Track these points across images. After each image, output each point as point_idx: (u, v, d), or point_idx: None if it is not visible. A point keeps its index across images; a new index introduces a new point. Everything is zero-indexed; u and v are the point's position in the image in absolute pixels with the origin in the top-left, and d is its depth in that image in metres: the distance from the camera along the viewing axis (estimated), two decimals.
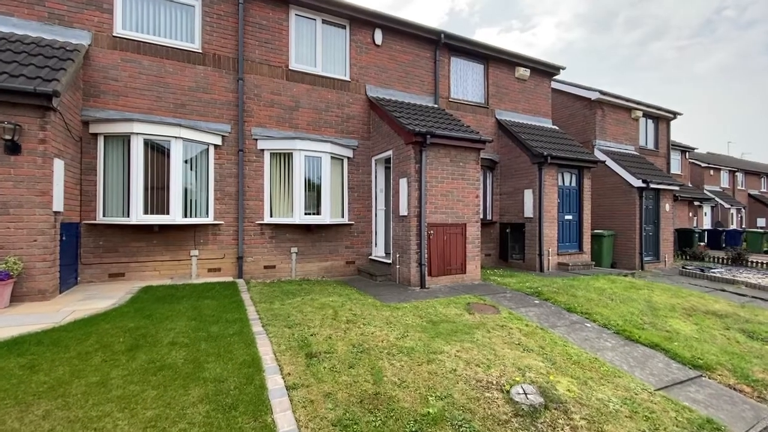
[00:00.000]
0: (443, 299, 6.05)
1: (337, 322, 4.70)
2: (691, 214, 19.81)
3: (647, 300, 6.68)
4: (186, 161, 6.90)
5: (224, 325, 4.36)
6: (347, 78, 8.61)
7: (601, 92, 12.77)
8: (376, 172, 8.76)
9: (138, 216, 6.35)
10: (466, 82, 10.30)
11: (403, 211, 7.29)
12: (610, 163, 12.15)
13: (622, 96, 13.37)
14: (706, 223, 21.58)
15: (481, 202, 10.32)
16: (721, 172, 25.16)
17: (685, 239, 15.92)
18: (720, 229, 19.40)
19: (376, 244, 8.78)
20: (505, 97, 10.87)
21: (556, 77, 12.14)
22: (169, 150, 6.63)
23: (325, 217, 7.84)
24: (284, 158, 7.75)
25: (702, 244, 17.92)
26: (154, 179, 6.56)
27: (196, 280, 6.91)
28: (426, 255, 7.13)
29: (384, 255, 8.77)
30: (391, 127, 7.83)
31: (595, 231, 11.37)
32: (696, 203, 20.15)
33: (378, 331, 4.47)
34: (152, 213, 6.52)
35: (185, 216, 6.84)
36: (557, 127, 12.03)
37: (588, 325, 5.37)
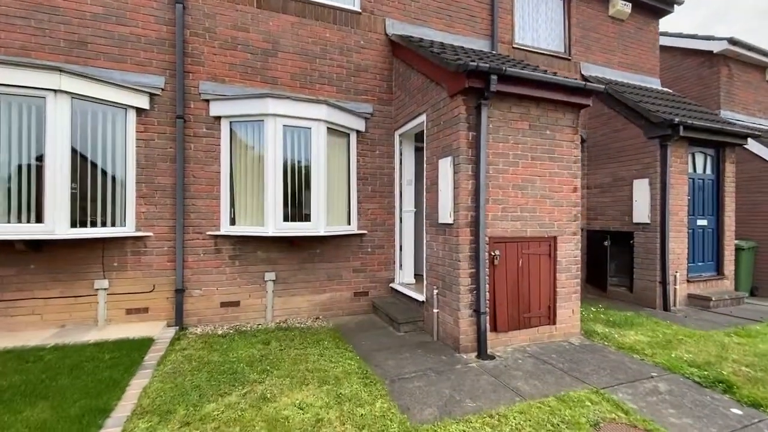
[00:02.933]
0: (528, 402, 2.88)
1: None
2: None
3: None
4: (83, 132, 4.16)
5: None
6: (356, 7, 5.57)
7: (730, 41, 8.85)
8: (401, 153, 5.68)
9: None
10: (537, 20, 6.94)
11: (446, 215, 4.16)
12: (751, 143, 8.28)
13: (759, 47, 9.33)
14: None
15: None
16: None
17: None
18: None
19: (401, 266, 5.70)
20: (595, 45, 7.38)
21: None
22: (45, 113, 3.91)
23: (318, 225, 4.87)
24: (253, 131, 4.85)
25: None
26: (23, 163, 3.87)
27: (103, 330, 4.16)
28: (488, 294, 3.98)
29: (413, 283, 5.68)
30: (424, 72, 4.70)
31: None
32: None
33: None
34: (17, 221, 3.83)
35: (78, 226, 4.11)
36: (669, 90, 8.34)
37: None
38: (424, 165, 4.74)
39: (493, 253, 4.03)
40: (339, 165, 5.31)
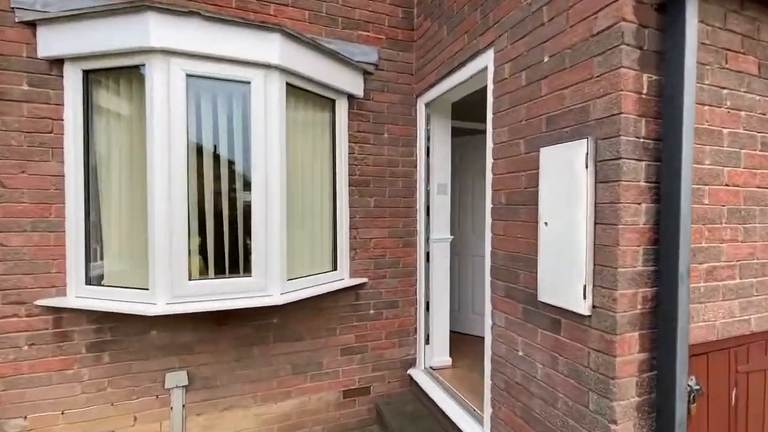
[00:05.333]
0: None
1: None
2: None
3: None
4: None
5: None
6: None
7: None
8: (429, 137, 3.17)
9: None
10: None
11: (564, 288, 1.67)
12: None
13: None
14: None
15: None
16: None
17: None
18: None
19: (428, 337, 3.23)
20: None
21: None
22: None
23: (268, 283, 2.39)
24: (129, 89, 2.34)
25: None
26: None
27: None
28: None
29: (448, 365, 3.24)
30: None
31: None
32: None
33: None
34: None
35: None
36: None
37: None
38: (489, 159, 2.23)
39: (692, 387, 1.56)
40: (314, 159, 2.81)
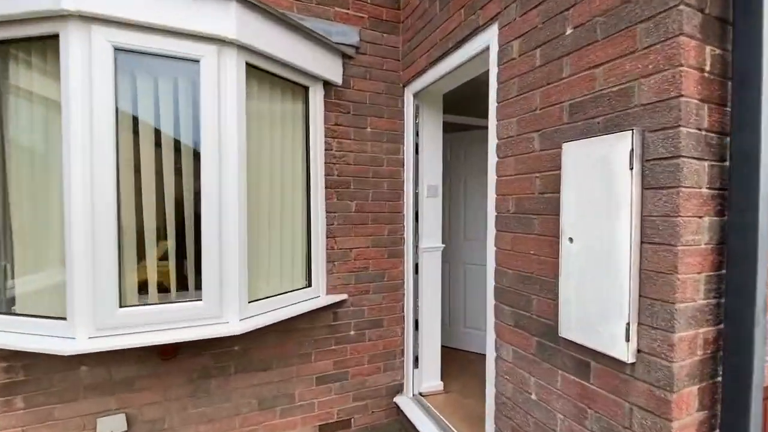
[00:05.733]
0: None
1: None
2: None
3: None
4: None
5: None
6: None
7: None
8: (418, 132, 2.78)
9: None
10: None
11: (598, 326, 1.30)
12: None
13: None
14: None
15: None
16: None
17: None
18: None
19: (416, 360, 2.84)
20: None
21: None
22: None
23: (222, 307, 1.96)
24: (43, 66, 1.86)
25: None
26: None
27: None
28: None
29: (440, 390, 2.86)
30: None
31: None
32: None
33: None
34: None
35: None
36: None
37: None
38: (492, 158, 1.85)
39: None
40: (283, 157, 2.38)
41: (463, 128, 3.63)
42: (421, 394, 2.83)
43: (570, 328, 1.37)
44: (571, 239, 1.36)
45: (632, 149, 1.16)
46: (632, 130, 1.17)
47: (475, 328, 3.71)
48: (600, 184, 1.25)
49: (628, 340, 1.18)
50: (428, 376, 2.88)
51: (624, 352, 1.19)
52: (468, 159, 3.70)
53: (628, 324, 1.18)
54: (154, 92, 1.91)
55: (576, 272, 1.35)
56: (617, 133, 1.21)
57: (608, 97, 1.28)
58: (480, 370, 3.37)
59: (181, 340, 1.83)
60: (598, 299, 1.26)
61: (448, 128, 3.27)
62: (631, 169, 1.16)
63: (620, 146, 1.19)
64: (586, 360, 1.35)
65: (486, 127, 3.55)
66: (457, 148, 3.74)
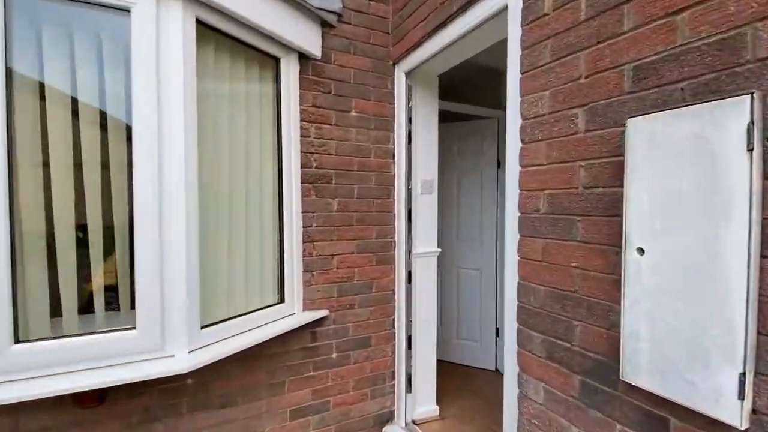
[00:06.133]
0: None
1: None
2: None
3: None
4: None
5: None
6: None
7: None
8: (410, 118, 2.38)
9: None
10: None
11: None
12: None
13: None
14: None
15: None
16: None
17: None
18: None
19: (409, 384, 2.45)
20: None
21: None
22: None
23: (168, 341, 1.48)
24: None
25: None
26: None
27: None
28: None
29: (436, 416, 2.48)
30: None
31: None
32: None
33: None
34: None
35: None
36: None
37: None
38: (514, 144, 1.46)
39: None
40: (247, 143, 1.93)
41: (457, 118, 3.25)
42: (414, 422, 2.44)
43: (639, 371, 1.01)
44: (641, 250, 0.99)
45: (751, 122, 0.80)
46: (751, 93, 0.80)
47: (469, 339, 3.35)
48: (693, 172, 0.88)
49: (742, 397, 0.82)
50: (422, 401, 2.49)
51: (736, 413, 0.83)
52: (462, 152, 3.33)
53: (743, 374, 0.81)
54: (70, 53, 1.42)
55: (649, 296, 0.98)
56: (720, 100, 0.85)
57: (699, 52, 0.91)
58: (478, 388, 3.02)
59: (104, 386, 1.36)
60: (690, 335, 0.89)
61: (439, 118, 2.89)
62: (750, 150, 0.80)
63: (729, 118, 0.82)
64: (662, 416, 0.99)
65: (484, 117, 3.19)
66: (450, 141, 3.36)
